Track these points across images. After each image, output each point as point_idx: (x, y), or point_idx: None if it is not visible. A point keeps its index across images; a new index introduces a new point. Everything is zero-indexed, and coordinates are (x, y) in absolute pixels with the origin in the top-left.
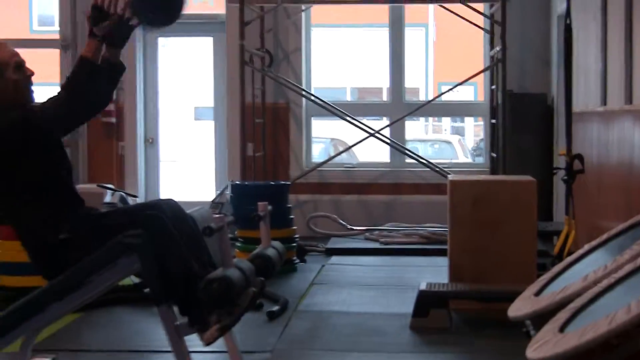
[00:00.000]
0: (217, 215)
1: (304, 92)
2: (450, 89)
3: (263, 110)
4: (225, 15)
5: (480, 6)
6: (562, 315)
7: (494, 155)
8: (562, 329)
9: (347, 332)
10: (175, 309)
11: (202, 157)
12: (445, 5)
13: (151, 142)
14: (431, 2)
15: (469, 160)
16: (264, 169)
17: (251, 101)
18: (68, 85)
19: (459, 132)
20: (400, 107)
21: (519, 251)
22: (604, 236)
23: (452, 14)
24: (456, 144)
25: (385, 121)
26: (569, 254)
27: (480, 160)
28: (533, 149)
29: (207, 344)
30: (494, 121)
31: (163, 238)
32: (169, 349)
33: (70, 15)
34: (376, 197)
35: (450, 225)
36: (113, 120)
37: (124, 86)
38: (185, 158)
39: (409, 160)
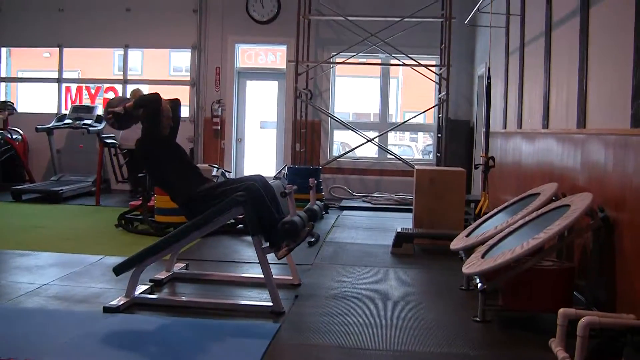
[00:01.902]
0: (288, 185)
1: (329, 114)
2: (415, 116)
3: (306, 124)
4: (285, 68)
5: (433, 67)
6: (482, 248)
7: (439, 155)
8: (483, 256)
9: (355, 254)
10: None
11: (268, 151)
12: (414, 67)
13: (240, 141)
14: (404, 66)
15: (421, 157)
16: (304, 158)
17: (299, 119)
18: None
19: (414, 140)
20: (385, 125)
21: (454, 210)
22: (505, 204)
23: (415, 72)
24: (413, 147)
25: (374, 133)
26: (484, 213)
27: (428, 157)
28: (461, 152)
29: (280, 258)
30: (439, 135)
31: (257, 197)
32: (256, 260)
33: (195, 65)
34: (370, 177)
35: (415, 194)
36: (218, 127)
37: (226, 107)
38: (259, 151)
39: (389, 156)
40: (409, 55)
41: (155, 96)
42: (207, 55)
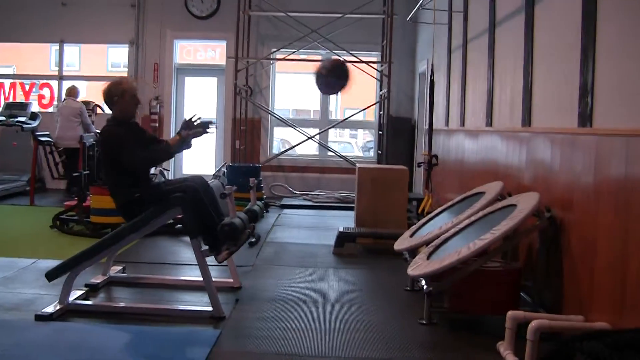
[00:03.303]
0: (228, 186)
1: (269, 111)
2: (356, 113)
3: (245, 122)
4: (225, 65)
5: (374, 63)
6: (427, 249)
7: (380, 152)
8: (428, 257)
9: (297, 255)
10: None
11: (207, 148)
12: (355, 64)
13: None
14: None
15: (361, 154)
16: (244, 156)
17: (238, 116)
18: (152, 157)
19: (354, 137)
20: (325, 122)
21: (397, 209)
22: (449, 203)
23: (356, 69)
24: (354, 144)
25: (314, 130)
26: (428, 212)
27: (369, 154)
28: (402, 149)
29: (220, 262)
30: (380, 132)
31: (195, 199)
32: (195, 263)
33: (133, 61)
34: (310, 175)
35: (357, 193)
36: (156, 125)
37: (164, 105)
38: (198, 149)
39: (329, 153)
40: (350, 52)
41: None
42: (145, 51)
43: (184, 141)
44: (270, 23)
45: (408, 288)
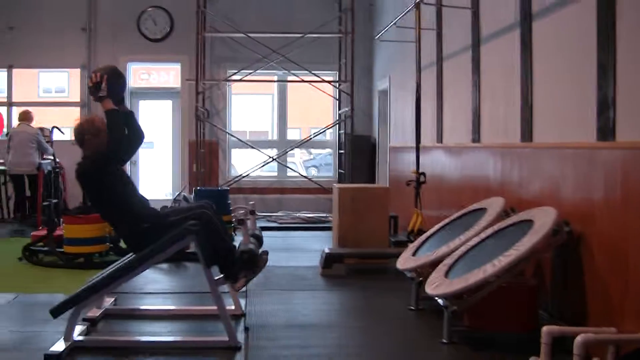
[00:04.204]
0: (241, 212)
1: (227, 132)
2: (319, 133)
3: (203, 144)
4: (180, 87)
5: (336, 82)
6: (443, 268)
7: (342, 171)
8: (446, 276)
9: (286, 278)
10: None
11: (163, 172)
12: (312, 83)
13: (134, 163)
14: (302, 82)
15: (304, 172)
16: (202, 179)
17: (194, 139)
18: (111, 133)
19: (292, 156)
20: (284, 142)
21: (378, 228)
22: (446, 220)
23: (312, 89)
24: (298, 164)
25: (273, 151)
26: (418, 230)
27: (328, 173)
28: (363, 167)
29: (237, 290)
30: (341, 151)
31: (211, 226)
32: (186, 290)
33: (85, 85)
34: (270, 196)
35: (338, 213)
36: None
37: None
38: (153, 172)
39: (289, 174)
40: (311, 71)
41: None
42: None
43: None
44: (225, 44)
45: (412, 307)
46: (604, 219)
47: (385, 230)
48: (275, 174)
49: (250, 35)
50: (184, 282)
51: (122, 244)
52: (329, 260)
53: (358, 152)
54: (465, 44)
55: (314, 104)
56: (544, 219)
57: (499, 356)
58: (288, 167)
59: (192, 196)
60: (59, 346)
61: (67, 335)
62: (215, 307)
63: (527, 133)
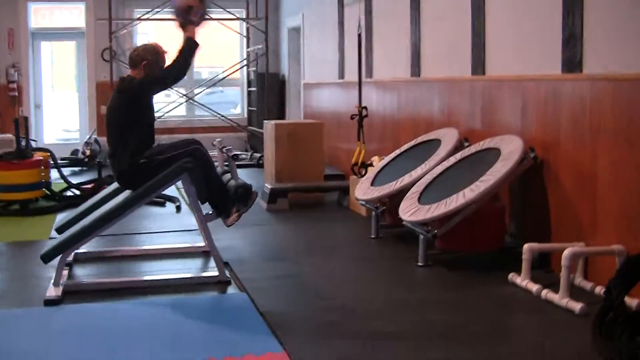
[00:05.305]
0: (227, 148)
1: None
2: (233, 72)
3: (111, 86)
4: (85, 27)
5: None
6: (413, 196)
7: (252, 109)
8: (420, 202)
9: None
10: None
11: (69, 115)
12: (220, 21)
13: (38, 107)
14: (211, 20)
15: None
16: None
17: (102, 80)
18: (180, 64)
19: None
20: (192, 82)
21: (314, 163)
22: (397, 151)
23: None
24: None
25: (182, 90)
26: (362, 162)
27: (237, 111)
28: (272, 105)
29: (229, 225)
30: (251, 89)
31: (205, 162)
32: (150, 231)
33: None
34: (180, 135)
35: (275, 149)
36: (15, 93)
37: (21, 72)
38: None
39: (197, 113)
40: (223, 8)
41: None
42: None
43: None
44: None
45: (373, 236)
46: (569, 145)
47: (322, 165)
48: (185, 113)
49: None
50: (137, 223)
51: (55, 188)
52: (273, 195)
53: (267, 89)
54: None
55: (219, 42)
56: (510, 147)
57: (474, 274)
58: (202, 105)
59: (103, 139)
60: (54, 291)
61: (57, 280)
62: (182, 245)
63: (479, 67)
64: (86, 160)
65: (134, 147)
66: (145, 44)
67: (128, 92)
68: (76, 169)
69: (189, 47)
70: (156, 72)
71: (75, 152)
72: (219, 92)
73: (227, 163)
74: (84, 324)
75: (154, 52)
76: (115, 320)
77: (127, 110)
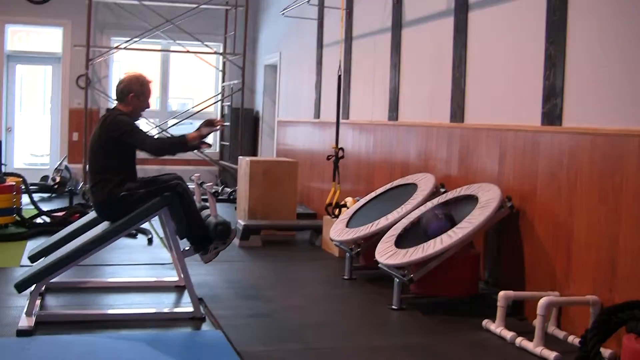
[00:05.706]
0: (208, 184)
1: (109, 99)
2: (209, 105)
3: (86, 113)
4: (61, 53)
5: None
6: (390, 239)
7: (225, 143)
8: (397, 246)
9: None
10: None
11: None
12: (197, 54)
13: (9, 130)
14: (187, 52)
15: None
16: (84, 149)
17: (75, 107)
18: (161, 147)
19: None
20: (165, 113)
21: (287, 201)
22: (373, 194)
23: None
24: None
25: (155, 121)
26: (337, 203)
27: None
28: (246, 141)
29: (207, 262)
30: (226, 124)
31: (185, 198)
32: (121, 263)
33: None
34: (151, 167)
35: (249, 186)
36: None
37: None
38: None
39: None
40: (201, 41)
41: None
42: None
43: (202, 137)
44: (109, 10)
45: (346, 277)
46: (546, 196)
47: (294, 203)
48: None
49: (133, 2)
50: (108, 254)
51: (25, 214)
52: (246, 232)
53: (241, 125)
54: (383, 26)
55: (195, 75)
56: (488, 195)
57: (448, 319)
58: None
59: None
60: (26, 321)
61: (29, 310)
62: (155, 279)
63: (458, 114)
64: (56, 187)
65: (117, 180)
66: (130, 75)
67: (111, 132)
68: (45, 195)
69: (181, 147)
70: (138, 134)
71: (45, 178)
72: (188, 125)
73: (205, 197)
74: (58, 357)
75: (139, 83)
76: (89, 355)
77: (110, 144)
